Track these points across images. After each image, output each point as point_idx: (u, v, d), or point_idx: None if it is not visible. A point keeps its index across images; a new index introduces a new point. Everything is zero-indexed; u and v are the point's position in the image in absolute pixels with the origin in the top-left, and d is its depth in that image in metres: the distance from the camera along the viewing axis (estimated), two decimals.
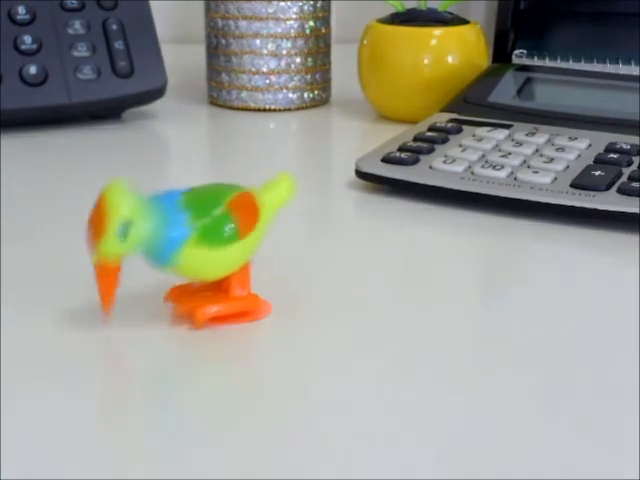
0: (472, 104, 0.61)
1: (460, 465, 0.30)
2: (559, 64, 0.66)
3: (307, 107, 0.74)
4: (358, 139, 0.70)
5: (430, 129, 0.58)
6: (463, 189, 0.52)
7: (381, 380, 0.35)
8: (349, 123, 0.71)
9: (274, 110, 0.73)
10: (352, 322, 0.40)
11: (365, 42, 0.70)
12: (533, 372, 0.36)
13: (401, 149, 0.56)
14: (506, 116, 0.59)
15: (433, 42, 0.68)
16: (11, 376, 0.35)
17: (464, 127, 0.58)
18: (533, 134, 0.56)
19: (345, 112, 0.73)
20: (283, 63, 0.73)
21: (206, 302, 0.38)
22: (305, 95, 0.74)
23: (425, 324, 0.40)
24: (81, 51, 0.68)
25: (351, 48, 0.74)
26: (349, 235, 0.50)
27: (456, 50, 0.68)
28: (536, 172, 0.52)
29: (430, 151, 0.56)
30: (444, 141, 0.57)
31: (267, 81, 0.73)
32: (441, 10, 0.70)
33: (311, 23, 0.73)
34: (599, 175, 0.51)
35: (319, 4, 0.73)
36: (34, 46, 0.67)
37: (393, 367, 0.36)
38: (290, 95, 0.73)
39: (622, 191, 0.50)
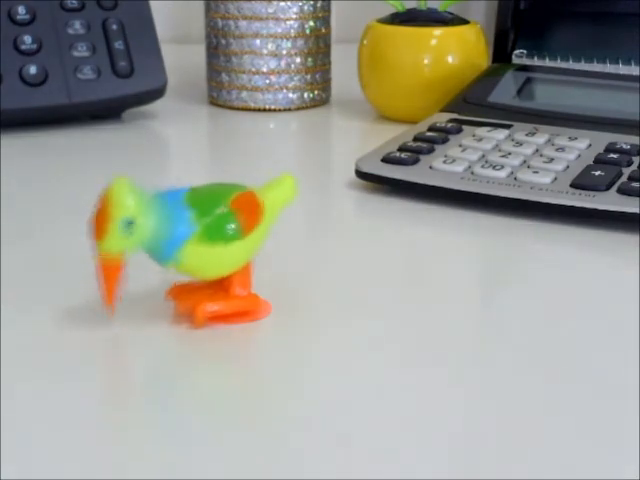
0: (472, 104, 0.61)
1: (460, 465, 0.30)
2: (559, 64, 0.66)
3: (307, 107, 0.74)
4: (358, 139, 0.70)
5: (430, 129, 0.58)
6: (463, 189, 0.52)
7: (381, 380, 0.35)
8: (349, 123, 0.71)
9: (274, 110, 0.73)
10: (352, 322, 0.40)
11: (365, 42, 0.70)
12: (533, 372, 0.36)
13: (401, 149, 0.56)
14: (506, 116, 0.59)
15: (433, 42, 0.68)
16: (11, 376, 0.35)
17: (464, 127, 0.58)
18: (533, 134, 0.56)
19: (345, 112, 0.73)
20: (283, 63, 0.73)
21: (206, 300, 0.38)
22: (305, 95, 0.74)
23: (425, 324, 0.39)
24: (81, 51, 0.68)
25: (351, 48, 0.74)
26: (349, 235, 0.50)
27: (456, 50, 0.68)
28: (536, 172, 0.52)
29: (430, 151, 0.56)
30: (444, 141, 0.57)
31: (267, 81, 0.73)
32: (441, 10, 0.70)
33: (311, 23, 0.73)
34: (599, 175, 0.51)
35: (319, 4, 0.73)
36: (34, 46, 0.66)
37: (393, 367, 0.36)
38: (290, 95, 0.73)
39: (622, 191, 0.50)
